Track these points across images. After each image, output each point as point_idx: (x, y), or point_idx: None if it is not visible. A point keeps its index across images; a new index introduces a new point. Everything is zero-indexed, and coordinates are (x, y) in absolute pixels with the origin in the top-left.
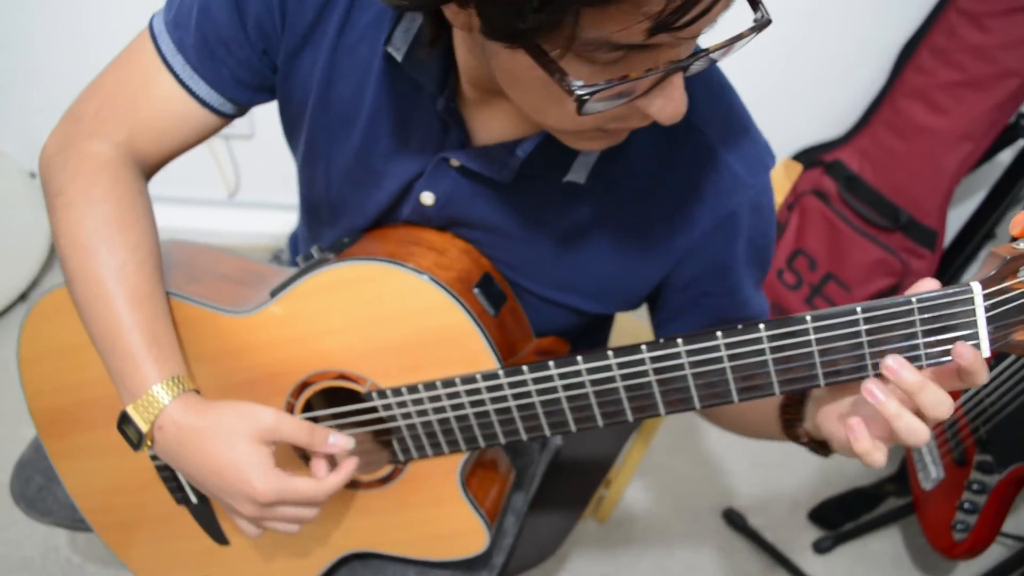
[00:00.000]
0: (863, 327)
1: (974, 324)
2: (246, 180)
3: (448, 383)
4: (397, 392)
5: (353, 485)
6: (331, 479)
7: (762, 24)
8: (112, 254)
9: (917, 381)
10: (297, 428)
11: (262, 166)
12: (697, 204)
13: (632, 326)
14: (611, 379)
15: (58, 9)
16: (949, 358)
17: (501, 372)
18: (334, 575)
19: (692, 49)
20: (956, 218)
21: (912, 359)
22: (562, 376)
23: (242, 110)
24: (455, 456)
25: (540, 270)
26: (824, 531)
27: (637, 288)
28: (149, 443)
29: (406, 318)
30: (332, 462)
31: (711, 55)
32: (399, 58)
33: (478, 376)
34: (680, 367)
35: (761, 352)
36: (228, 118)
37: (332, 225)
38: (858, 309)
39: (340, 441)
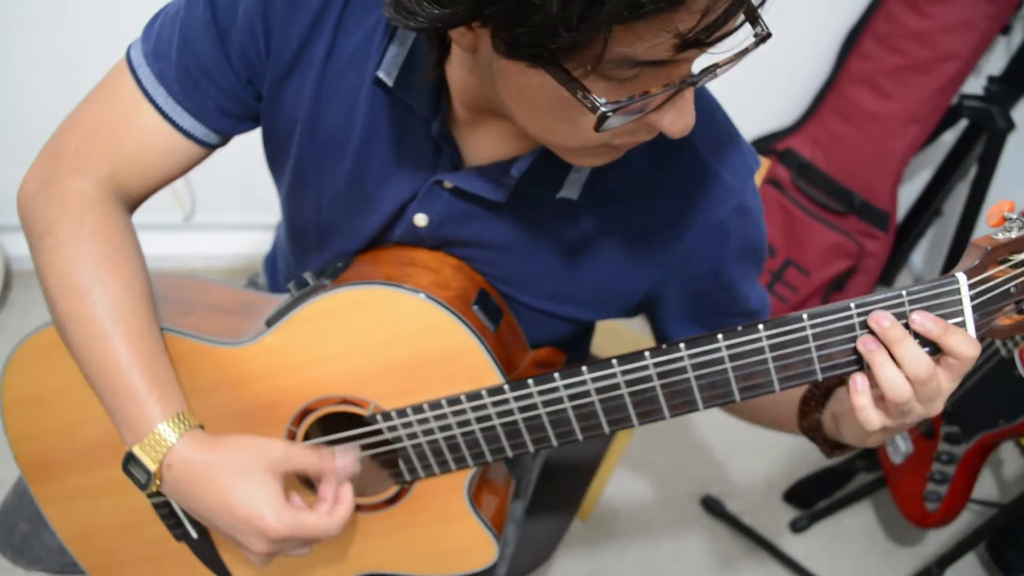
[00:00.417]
0: (856, 320)
1: (961, 312)
2: (201, 202)
3: (454, 401)
4: (402, 413)
5: (358, 508)
6: (339, 511)
7: (763, 38)
8: (106, 293)
9: (899, 334)
10: (306, 456)
11: (218, 187)
12: (688, 214)
13: (613, 325)
14: (616, 387)
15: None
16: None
17: (507, 387)
18: None
19: (691, 64)
20: (903, 197)
21: None
22: (567, 387)
23: (226, 139)
24: (461, 472)
25: (535, 283)
26: (799, 511)
27: (631, 295)
28: (157, 482)
29: (408, 340)
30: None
31: (719, 69)
32: (390, 82)
33: (483, 392)
34: (683, 370)
35: (761, 351)
36: (212, 148)
37: (321, 250)
38: (852, 304)
39: (347, 462)
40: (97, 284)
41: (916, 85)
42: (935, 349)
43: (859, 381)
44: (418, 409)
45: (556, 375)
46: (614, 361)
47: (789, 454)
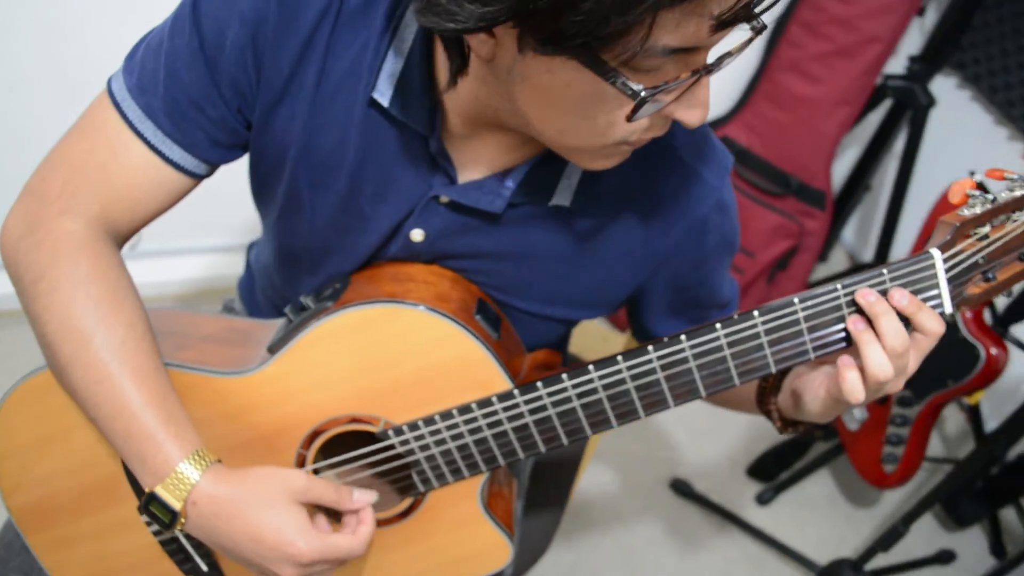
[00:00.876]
0: (843, 300)
1: (936, 286)
2: (148, 229)
3: (464, 409)
4: (414, 426)
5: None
6: (363, 531)
7: (760, 29)
8: (110, 334)
9: (883, 308)
10: (325, 489)
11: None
12: (671, 211)
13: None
14: (622, 381)
15: None
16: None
17: (516, 392)
18: None
19: (707, 55)
20: (834, 175)
21: None
22: (576, 387)
23: (214, 169)
24: (474, 479)
25: (530, 289)
26: (763, 484)
27: (619, 294)
28: (183, 520)
29: (416, 354)
30: None
31: (728, 58)
32: (385, 103)
33: (494, 399)
34: (685, 361)
35: (757, 336)
36: (201, 178)
37: (314, 272)
38: (838, 286)
39: (365, 497)
40: (100, 326)
41: (843, 68)
42: (906, 326)
43: (847, 358)
44: (430, 421)
45: (564, 376)
46: (619, 358)
47: (748, 431)
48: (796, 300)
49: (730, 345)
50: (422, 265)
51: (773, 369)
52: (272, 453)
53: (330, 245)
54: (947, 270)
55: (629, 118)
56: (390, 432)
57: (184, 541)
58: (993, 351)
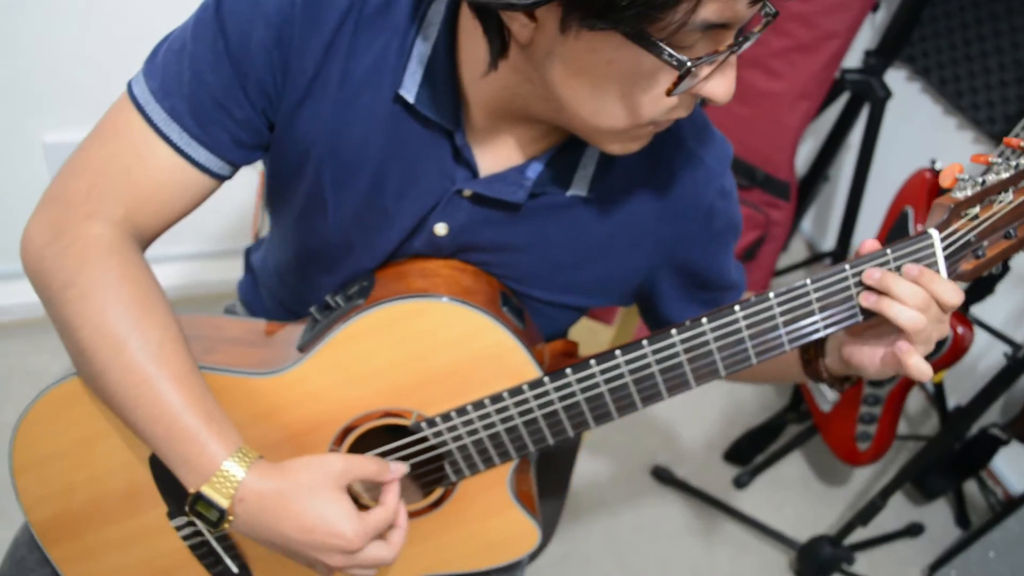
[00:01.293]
0: (851, 280)
1: (936, 264)
2: None
3: (497, 399)
4: (447, 417)
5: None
6: (391, 501)
7: (772, 15)
8: (146, 337)
9: (891, 278)
10: (365, 464)
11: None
12: (680, 197)
13: None
14: (647, 366)
15: None
16: None
17: (546, 379)
18: None
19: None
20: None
21: None
22: (603, 372)
23: (235, 171)
24: (503, 466)
25: (549, 278)
26: (740, 467)
27: (632, 279)
28: (231, 518)
29: (449, 347)
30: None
31: (752, 36)
32: (411, 99)
33: (525, 387)
34: (706, 343)
35: (773, 318)
36: (224, 179)
37: (335, 270)
38: (847, 267)
39: (401, 467)
40: (135, 330)
41: (803, 64)
42: None
43: (903, 345)
44: (462, 411)
45: (592, 362)
46: (644, 342)
47: (723, 416)
48: (808, 282)
49: (748, 327)
50: (444, 260)
51: (787, 348)
52: (304, 452)
53: (353, 242)
54: (944, 248)
55: (670, 91)
56: (423, 424)
57: (214, 543)
58: (960, 330)
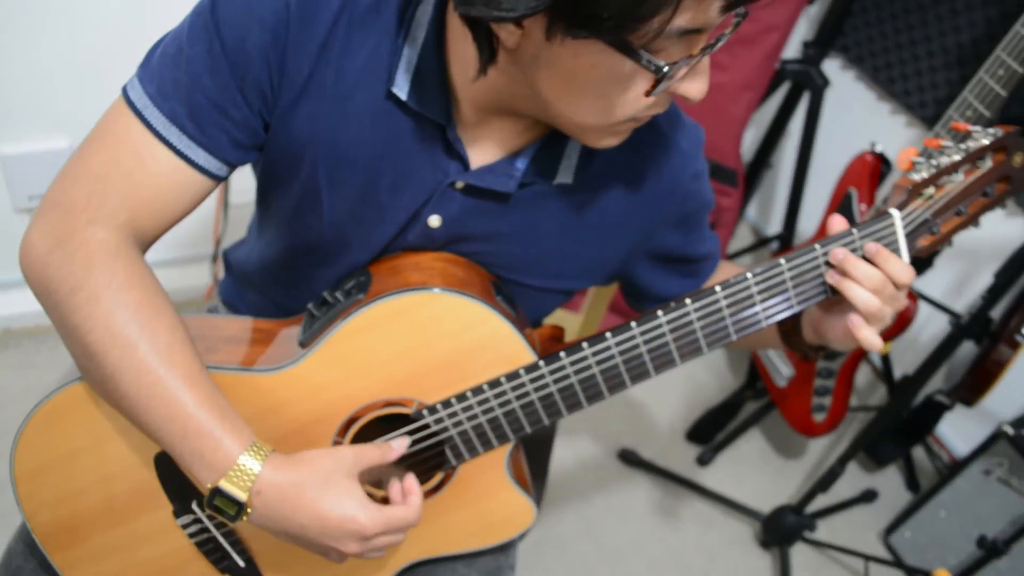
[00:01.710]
0: (821, 259)
1: (896, 241)
2: None
3: (494, 384)
4: (447, 404)
5: None
6: (413, 500)
7: (744, 15)
8: (155, 339)
9: (853, 260)
10: (370, 451)
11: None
12: (658, 181)
13: None
14: (636, 346)
15: None
16: None
17: (542, 363)
18: None
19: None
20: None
21: None
22: (595, 354)
23: (231, 171)
24: (501, 448)
25: (537, 265)
26: (702, 446)
27: (614, 260)
28: (249, 511)
29: (449, 336)
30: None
31: (723, 39)
32: (404, 97)
33: (521, 371)
34: (690, 322)
35: (751, 295)
36: (221, 180)
37: (330, 264)
38: (816, 247)
39: (401, 442)
40: (145, 332)
41: (746, 56)
42: None
43: (855, 319)
44: (462, 398)
45: (584, 344)
46: (633, 324)
47: (683, 398)
48: (783, 261)
49: (728, 305)
50: (436, 253)
51: (764, 324)
52: (309, 444)
53: (348, 237)
54: (904, 227)
55: (649, 92)
56: (424, 411)
57: (221, 539)
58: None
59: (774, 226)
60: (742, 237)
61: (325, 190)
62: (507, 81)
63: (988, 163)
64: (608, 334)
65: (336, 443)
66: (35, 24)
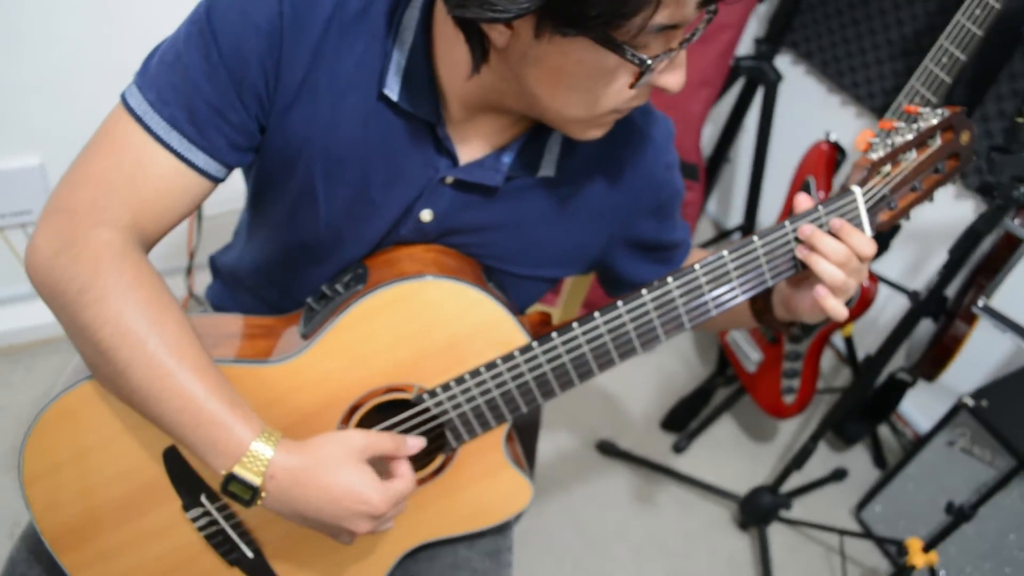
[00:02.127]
0: (791, 236)
1: (859, 216)
2: None
3: (491, 366)
4: (446, 387)
5: None
6: (406, 471)
7: (713, 12)
8: (165, 333)
9: (819, 235)
10: (384, 439)
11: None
12: (632, 172)
13: None
14: (622, 324)
15: None
16: None
17: (535, 344)
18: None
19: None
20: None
21: None
22: (585, 333)
23: (229, 173)
24: (497, 430)
25: (524, 254)
26: (677, 434)
27: (594, 249)
28: (263, 495)
29: (447, 321)
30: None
31: (698, 33)
32: (395, 97)
33: (516, 353)
34: (672, 300)
35: (727, 271)
36: (219, 182)
37: (324, 262)
38: (786, 224)
39: (416, 442)
40: (154, 327)
41: (701, 53)
42: None
43: (821, 289)
44: (460, 380)
45: (575, 324)
46: (619, 303)
47: (655, 388)
48: (756, 238)
49: (707, 282)
50: (428, 245)
51: (740, 299)
52: (314, 433)
53: (343, 233)
54: (866, 202)
55: (632, 85)
56: (425, 396)
57: (230, 530)
58: (866, 283)
59: (734, 218)
60: (703, 231)
61: (321, 189)
62: (495, 79)
63: (938, 141)
64: (596, 314)
65: (341, 430)
66: (5, 43)
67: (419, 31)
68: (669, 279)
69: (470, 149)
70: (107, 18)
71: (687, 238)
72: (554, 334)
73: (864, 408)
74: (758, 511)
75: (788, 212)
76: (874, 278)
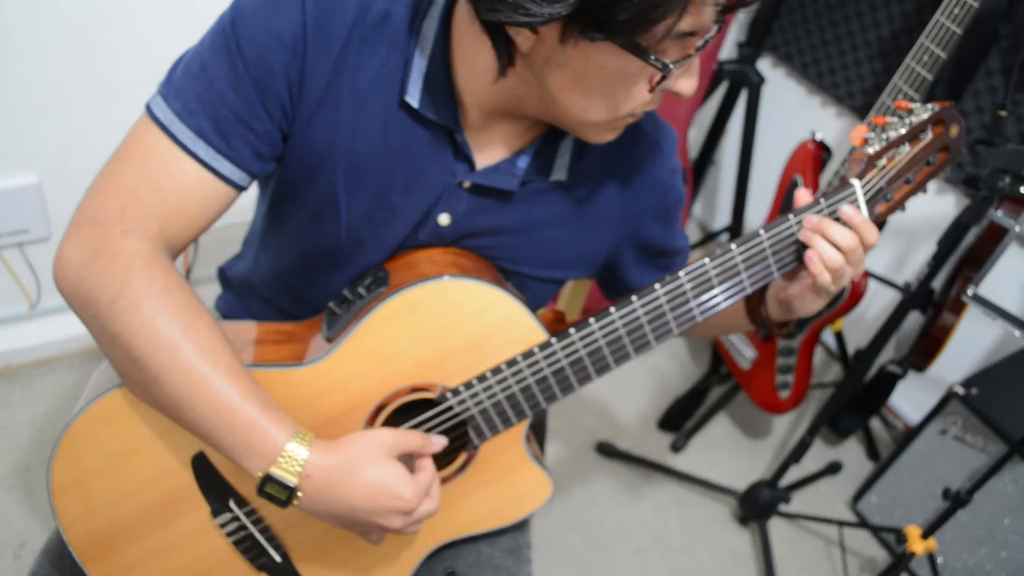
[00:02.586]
0: (795, 228)
1: (860, 208)
2: (48, 285)
3: (512, 363)
4: (469, 385)
5: None
6: (428, 463)
7: (721, 23)
8: (198, 338)
9: (827, 223)
10: (412, 437)
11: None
12: (640, 176)
13: None
14: (637, 319)
15: None
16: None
17: (553, 340)
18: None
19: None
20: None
21: None
22: (602, 328)
23: (252, 181)
24: (518, 427)
25: (535, 255)
26: (674, 433)
27: (603, 251)
28: (300, 495)
29: (469, 320)
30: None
31: (710, 41)
32: (416, 104)
33: (536, 349)
34: (683, 292)
35: (735, 264)
36: (243, 190)
37: (344, 267)
38: (791, 217)
39: (440, 440)
40: (187, 333)
41: None
42: None
43: (813, 255)
44: (482, 378)
45: (592, 320)
46: (634, 297)
47: (650, 390)
48: (762, 232)
49: (717, 275)
50: (444, 248)
51: (749, 290)
52: (342, 433)
53: (363, 238)
54: (865, 194)
55: (652, 89)
56: (448, 394)
57: (258, 535)
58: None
59: (720, 220)
60: (690, 233)
61: (343, 195)
62: (517, 83)
63: (929, 135)
64: (612, 309)
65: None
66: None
67: (438, 39)
68: (680, 274)
69: (487, 154)
70: (101, 36)
71: (686, 247)
72: (572, 330)
73: (856, 401)
74: (758, 506)
75: (777, 211)
76: (864, 273)
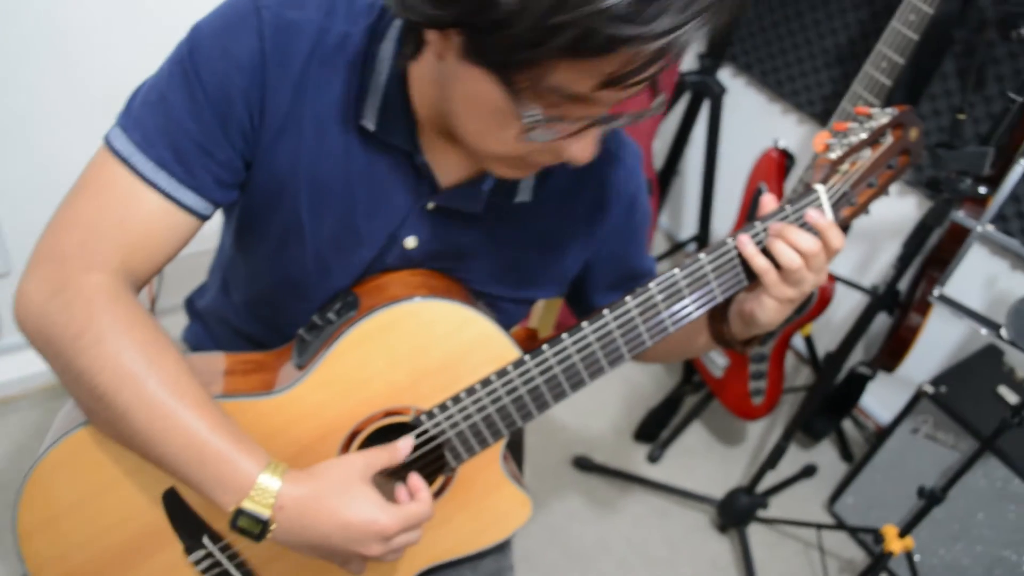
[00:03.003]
0: (762, 235)
1: (823, 213)
2: (8, 321)
3: (486, 383)
4: (443, 407)
5: None
6: (423, 493)
7: (660, 104)
8: (164, 372)
9: (789, 227)
10: (378, 456)
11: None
12: (608, 195)
13: None
14: (609, 332)
15: None
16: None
17: (527, 357)
18: None
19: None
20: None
21: None
22: (575, 343)
23: (215, 210)
24: (495, 447)
25: (503, 276)
26: (649, 444)
27: (572, 271)
28: (273, 527)
29: (441, 340)
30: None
31: (620, 121)
32: (372, 128)
33: (509, 367)
34: (655, 304)
35: (705, 274)
36: (205, 219)
37: (311, 295)
38: (757, 224)
39: (406, 443)
40: (152, 367)
41: None
42: None
43: (744, 239)
44: (457, 399)
45: (564, 335)
46: (605, 311)
47: (624, 402)
48: (730, 240)
49: (688, 284)
50: (412, 271)
51: (720, 299)
52: (316, 461)
53: (330, 265)
54: (829, 198)
55: (517, 138)
56: (422, 417)
57: (233, 570)
58: (824, 283)
59: (687, 230)
60: (657, 244)
61: (307, 220)
62: (436, 95)
63: (889, 139)
64: (584, 323)
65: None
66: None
67: (394, 63)
68: (651, 285)
69: (449, 174)
70: (65, 70)
71: (654, 269)
72: (545, 346)
73: (828, 404)
74: (736, 512)
75: (744, 218)
76: (832, 277)
